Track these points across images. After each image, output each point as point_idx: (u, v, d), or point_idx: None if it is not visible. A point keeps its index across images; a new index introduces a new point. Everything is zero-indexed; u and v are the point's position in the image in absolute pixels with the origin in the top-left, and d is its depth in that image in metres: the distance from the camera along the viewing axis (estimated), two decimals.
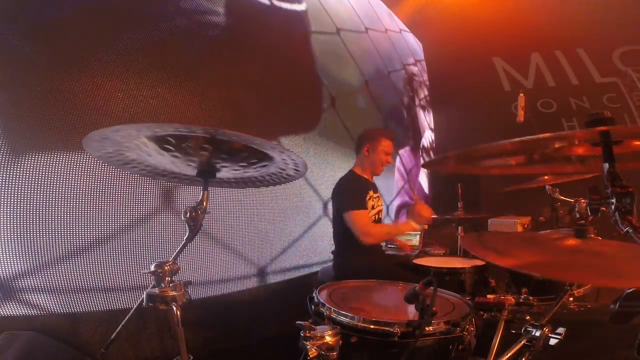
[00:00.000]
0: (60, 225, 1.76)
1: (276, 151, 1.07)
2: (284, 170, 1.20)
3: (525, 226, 2.88)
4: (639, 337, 0.88)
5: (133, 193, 2.00)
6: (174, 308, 1.00)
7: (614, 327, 1.16)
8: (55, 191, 1.76)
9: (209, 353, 2.19)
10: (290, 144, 2.98)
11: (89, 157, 1.83)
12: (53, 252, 1.74)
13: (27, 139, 1.70)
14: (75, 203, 1.81)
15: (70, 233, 1.79)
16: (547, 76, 4.82)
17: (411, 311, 1.14)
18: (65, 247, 1.77)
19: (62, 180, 1.78)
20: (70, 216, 1.79)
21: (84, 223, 1.83)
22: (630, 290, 1.02)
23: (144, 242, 2.02)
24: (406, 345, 1.09)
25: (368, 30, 4.55)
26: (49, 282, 1.73)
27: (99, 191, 1.89)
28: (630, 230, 0.78)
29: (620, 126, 0.87)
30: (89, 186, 1.85)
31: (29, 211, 1.68)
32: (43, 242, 1.72)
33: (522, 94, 2.89)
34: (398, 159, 4.65)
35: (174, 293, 1.01)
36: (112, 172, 1.93)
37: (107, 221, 1.91)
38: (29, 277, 1.68)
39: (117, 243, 1.94)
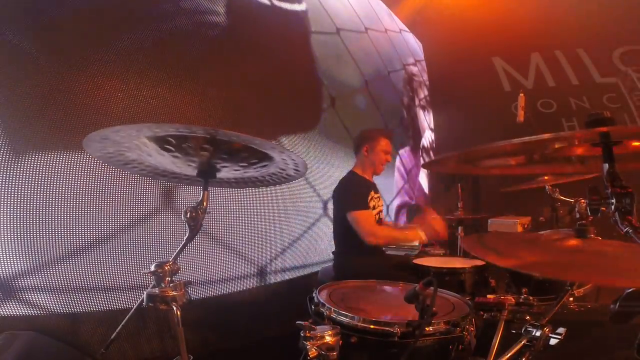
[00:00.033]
0: (60, 225, 1.76)
1: (276, 151, 1.07)
2: (284, 170, 1.20)
3: (525, 226, 2.88)
4: (639, 337, 0.88)
5: (133, 193, 2.00)
6: (174, 308, 1.01)
7: (614, 327, 1.16)
8: (55, 191, 1.76)
9: (209, 353, 2.19)
10: (290, 144, 2.98)
11: (89, 157, 1.83)
12: (53, 252, 1.74)
13: (27, 139, 1.70)
14: (75, 203, 1.81)
15: (70, 233, 1.79)
16: (547, 76, 4.82)
17: (411, 311, 1.13)
18: (65, 247, 1.77)
19: (62, 180, 1.78)
20: (70, 216, 1.79)
21: (84, 223, 1.83)
22: (630, 290, 1.02)
23: (144, 242, 2.02)
24: (406, 345, 1.09)
25: (368, 31, 4.55)
26: (49, 282, 1.73)
27: (99, 191, 1.89)
28: (630, 231, 0.78)
29: (620, 126, 0.87)
30: (89, 186, 1.85)
31: (29, 211, 1.68)
32: (43, 242, 1.72)
33: (522, 94, 2.89)
34: (398, 158, 4.66)
35: (174, 293, 1.02)
36: (112, 172, 1.93)
37: (107, 221, 1.91)
38: (29, 277, 1.68)
39: (117, 243, 1.94)
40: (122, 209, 1.97)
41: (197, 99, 2.36)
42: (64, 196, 1.78)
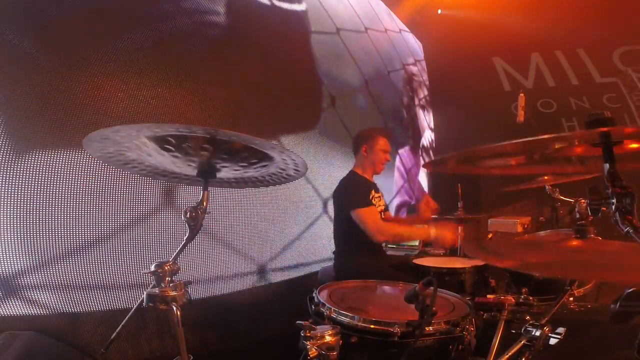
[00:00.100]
0: (60, 224, 1.76)
1: (276, 151, 1.07)
2: (284, 170, 1.20)
3: (525, 226, 2.87)
4: (639, 337, 0.88)
5: (133, 193, 2.00)
6: (174, 308, 1.00)
7: (614, 327, 1.16)
8: (55, 191, 1.76)
9: (209, 353, 2.19)
10: (291, 143, 2.98)
11: (89, 157, 1.83)
12: (53, 252, 1.74)
13: (28, 139, 1.70)
14: (75, 202, 1.81)
15: (70, 232, 1.79)
16: (547, 76, 4.82)
17: (411, 311, 1.13)
18: (65, 247, 1.77)
19: (62, 179, 1.78)
20: (70, 215, 1.79)
21: (84, 222, 1.83)
22: (630, 290, 1.02)
23: (145, 242, 2.02)
24: (406, 345, 1.09)
25: (368, 30, 4.55)
26: (49, 282, 1.73)
27: (99, 191, 1.89)
28: (631, 231, 0.78)
29: (620, 126, 0.87)
30: (89, 186, 1.85)
31: (29, 211, 1.68)
32: (43, 241, 1.72)
33: (522, 94, 2.88)
34: (398, 158, 4.66)
35: (174, 293, 1.01)
36: (112, 172, 1.93)
37: (107, 221, 1.91)
38: (29, 277, 1.68)
39: (117, 243, 1.94)
40: (122, 209, 1.97)
41: (197, 99, 2.36)
42: (64, 196, 1.78)
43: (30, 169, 1.69)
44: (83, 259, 1.82)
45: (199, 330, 2.19)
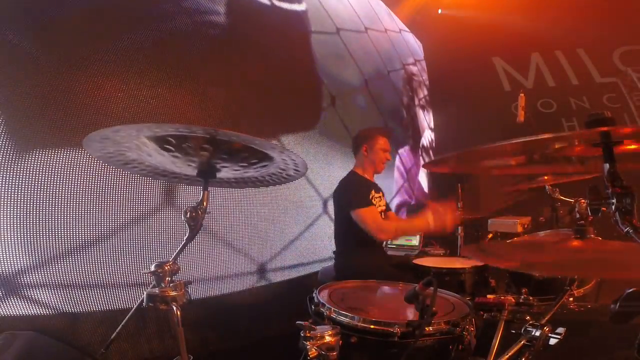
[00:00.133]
0: (61, 224, 1.76)
1: (276, 151, 1.07)
2: (284, 171, 1.20)
3: (525, 226, 2.87)
4: (639, 337, 0.88)
5: (134, 192, 2.00)
6: (174, 308, 1.00)
7: (614, 327, 1.16)
8: (55, 191, 1.76)
9: (209, 353, 2.19)
10: (291, 143, 2.98)
11: (90, 157, 1.83)
12: (53, 251, 1.74)
13: (28, 139, 1.70)
14: (75, 202, 1.81)
15: (70, 232, 1.79)
16: (547, 76, 4.82)
17: (411, 311, 1.14)
18: (65, 247, 1.77)
19: (62, 179, 1.78)
20: (70, 215, 1.79)
21: (84, 222, 1.83)
22: (630, 290, 1.02)
23: (145, 242, 2.03)
24: (406, 345, 1.09)
25: (368, 30, 4.55)
26: (50, 283, 1.73)
27: (99, 191, 1.89)
28: (631, 231, 0.78)
29: (620, 126, 0.87)
30: (89, 186, 1.86)
31: (29, 210, 1.68)
32: (43, 241, 1.72)
33: (522, 94, 2.88)
34: (397, 158, 4.66)
35: (174, 293, 1.01)
36: (113, 172, 1.93)
37: (107, 221, 1.92)
38: (30, 277, 1.68)
39: (117, 243, 1.94)
40: (122, 209, 1.97)
41: (197, 99, 2.36)
42: (64, 196, 1.78)
43: (30, 168, 1.69)
44: (83, 258, 1.82)
45: (199, 330, 2.19)
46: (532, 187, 2.55)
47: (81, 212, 1.82)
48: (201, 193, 1.14)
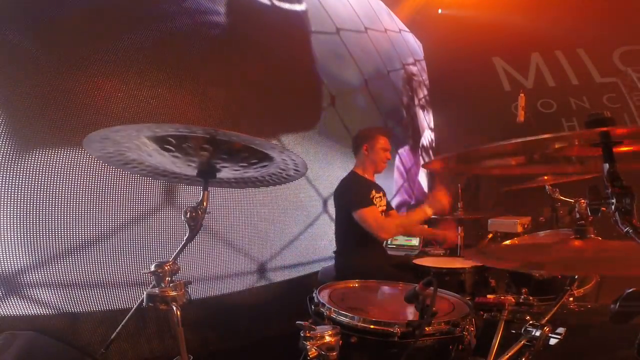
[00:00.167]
0: (61, 224, 1.76)
1: (276, 151, 1.07)
2: (284, 171, 1.20)
3: (525, 226, 2.87)
4: (639, 337, 0.88)
5: (134, 192, 2.00)
6: (174, 308, 1.00)
7: (614, 327, 1.16)
8: (55, 191, 1.76)
9: (209, 353, 2.19)
10: (291, 143, 2.98)
11: (90, 157, 1.83)
12: (53, 251, 1.74)
13: (28, 139, 1.70)
14: (75, 202, 1.81)
15: (70, 232, 1.79)
16: (547, 76, 4.82)
17: (411, 311, 1.14)
18: (65, 247, 1.77)
19: (62, 179, 1.78)
20: (70, 215, 1.79)
21: (85, 222, 1.83)
22: (630, 290, 1.02)
23: (145, 241, 2.02)
24: (406, 345, 1.09)
25: (368, 30, 4.55)
26: (50, 283, 1.73)
27: (99, 190, 1.89)
28: (631, 231, 0.78)
29: (620, 126, 0.87)
30: (89, 186, 1.86)
31: (29, 210, 1.68)
32: (43, 241, 1.72)
33: (522, 94, 2.89)
34: (397, 158, 4.66)
35: (174, 293, 1.01)
36: (113, 172, 1.93)
37: (108, 221, 1.92)
38: (29, 278, 1.68)
39: (118, 243, 1.94)
40: (122, 209, 1.97)
41: (197, 99, 2.36)
42: (64, 196, 1.78)
43: (30, 168, 1.69)
44: (83, 258, 1.82)
45: (199, 330, 2.19)
46: (532, 186, 2.56)
47: (81, 212, 1.82)
48: (201, 193, 1.14)
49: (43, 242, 1.71)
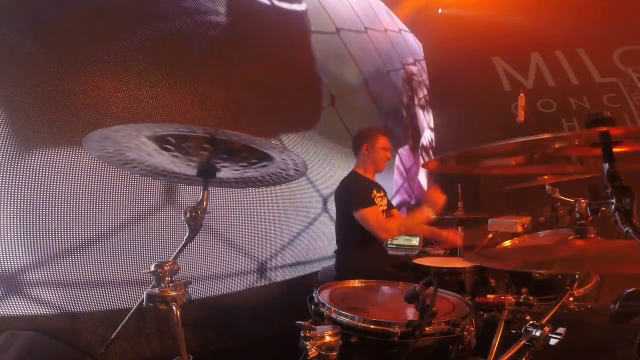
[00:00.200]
0: (61, 224, 1.76)
1: (276, 151, 1.07)
2: (284, 170, 1.20)
3: (525, 226, 2.87)
4: (639, 337, 0.88)
5: (134, 192, 2.00)
6: (174, 308, 1.00)
7: (614, 327, 1.16)
8: (55, 190, 1.76)
9: (209, 353, 2.19)
10: (291, 142, 2.98)
11: (90, 157, 1.83)
12: (53, 251, 1.74)
13: (28, 139, 1.70)
14: (75, 202, 1.81)
15: (70, 232, 1.79)
16: (547, 76, 4.82)
17: (411, 311, 1.13)
18: (65, 247, 1.77)
19: (62, 179, 1.78)
20: (70, 215, 1.79)
21: (85, 222, 1.83)
22: (630, 290, 1.02)
23: (145, 241, 2.02)
24: (406, 345, 1.09)
25: (367, 30, 4.55)
26: (50, 283, 1.73)
27: (99, 190, 1.89)
28: (631, 231, 0.78)
29: (620, 126, 0.87)
30: (89, 185, 1.86)
31: (29, 210, 1.69)
32: (43, 241, 1.72)
33: (522, 94, 2.88)
34: (397, 157, 4.66)
35: (174, 293, 1.01)
36: (113, 172, 1.93)
37: (107, 221, 1.92)
38: (29, 278, 1.68)
39: (118, 243, 1.94)
40: (123, 208, 1.97)
41: (197, 99, 2.36)
42: (64, 195, 1.78)
43: (30, 168, 1.69)
44: (83, 258, 1.82)
45: (199, 330, 2.19)
46: (532, 185, 2.56)
47: (81, 212, 1.82)
48: (201, 193, 1.14)
49: (43, 242, 1.71)
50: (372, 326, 1.15)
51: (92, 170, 1.86)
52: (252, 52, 2.78)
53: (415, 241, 3.15)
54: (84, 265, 1.83)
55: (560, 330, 1.11)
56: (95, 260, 1.86)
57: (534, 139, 0.82)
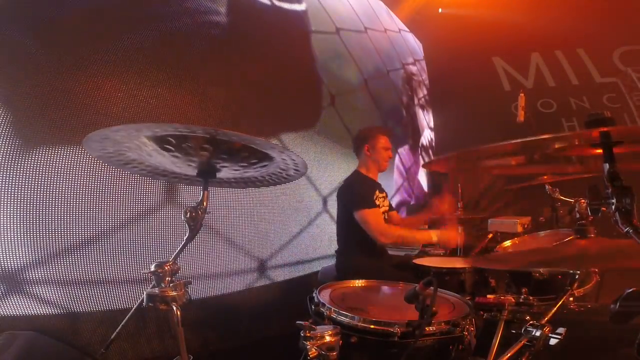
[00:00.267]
0: (61, 224, 1.76)
1: (276, 151, 1.07)
2: (284, 170, 1.20)
3: (525, 226, 2.87)
4: (639, 337, 0.88)
5: (134, 192, 2.00)
6: (174, 308, 1.00)
7: (614, 327, 1.16)
8: (56, 190, 1.76)
9: (209, 353, 2.19)
10: (291, 142, 2.98)
11: (90, 157, 1.83)
12: (53, 252, 1.74)
13: (28, 139, 1.70)
14: (75, 202, 1.81)
15: (70, 232, 1.79)
16: (547, 76, 4.82)
17: (411, 311, 1.13)
18: (65, 247, 1.77)
19: (62, 179, 1.78)
20: (70, 215, 1.79)
21: (85, 222, 1.83)
22: (630, 290, 1.02)
23: (145, 241, 2.02)
24: (406, 345, 1.09)
25: (367, 30, 4.55)
26: (50, 283, 1.73)
27: (100, 190, 1.89)
28: (631, 231, 0.78)
29: (620, 127, 0.87)
30: (89, 185, 1.86)
31: (29, 210, 1.68)
32: (43, 241, 1.72)
33: (522, 94, 2.89)
34: (397, 157, 4.66)
35: (174, 293, 1.01)
36: (113, 172, 1.93)
37: (108, 221, 1.91)
38: (29, 277, 1.68)
39: (118, 243, 1.94)
40: (123, 208, 1.97)
41: (197, 99, 2.36)
42: (64, 196, 1.78)
43: (30, 168, 1.69)
44: (83, 258, 1.82)
45: (199, 330, 2.19)
46: (532, 184, 2.56)
47: (81, 212, 1.82)
48: (201, 193, 1.14)
49: (43, 241, 1.71)
50: (372, 326, 1.15)
51: (92, 170, 1.86)
52: (252, 52, 2.78)
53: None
54: (84, 265, 1.82)
55: (560, 330, 1.11)
56: (95, 261, 1.86)
57: (534, 139, 0.82)
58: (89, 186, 1.85)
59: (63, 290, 1.77)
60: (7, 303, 1.61)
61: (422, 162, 5.25)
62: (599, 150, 0.88)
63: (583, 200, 1.58)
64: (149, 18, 2.20)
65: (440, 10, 5.38)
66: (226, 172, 1.18)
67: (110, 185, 1.93)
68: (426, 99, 5.84)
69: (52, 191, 1.75)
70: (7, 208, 1.63)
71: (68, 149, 1.79)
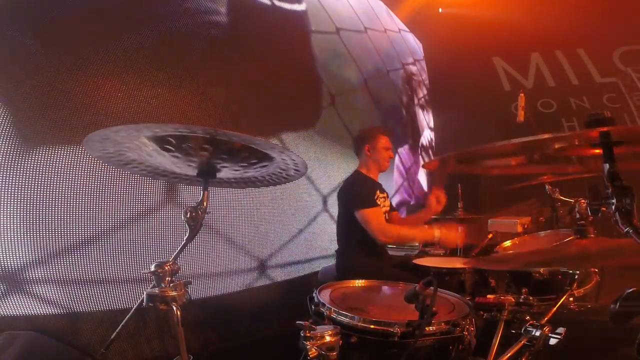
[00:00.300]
0: (61, 224, 1.76)
1: (276, 151, 1.07)
2: (284, 171, 1.20)
3: (526, 226, 2.87)
4: (639, 337, 0.88)
5: (135, 192, 2.00)
6: (174, 308, 1.00)
7: (614, 327, 1.16)
8: (56, 190, 1.76)
9: (209, 353, 2.19)
10: (291, 142, 2.98)
11: (90, 157, 1.83)
12: (53, 252, 1.74)
13: (28, 139, 1.70)
14: (76, 202, 1.81)
15: (70, 232, 1.79)
16: (547, 76, 4.83)
17: (411, 311, 1.13)
18: (65, 248, 1.77)
19: (62, 179, 1.78)
20: (70, 215, 1.79)
21: (85, 222, 1.83)
22: (630, 290, 1.02)
23: (146, 241, 2.02)
24: (406, 345, 1.09)
25: (367, 30, 4.56)
26: (50, 283, 1.73)
27: (100, 190, 1.89)
28: (631, 231, 0.78)
29: (620, 127, 0.87)
30: (89, 185, 1.86)
31: (29, 210, 1.68)
32: (43, 241, 1.72)
33: (522, 94, 2.89)
34: (397, 157, 4.66)
35: (174, 293, 1.01)
36: (113, 172, 1.93)
37: (108, 221, 1.91)
38: (29, 278, 1.68)
39: (118, 243, 1.94)
40: (123, 208, 1.97)
41: (197, 99, 2.36)
42: (64, 196, 1.78)
43: (30, 168, 1.69)
44: (83, 259, 1.82)
45: (199, 330, 2.19)
46: (532, 183, 2.56)
47: (81, 212, 1.82)
48: (201, 193, 1.14)
49: (43, 241, 1.71)
50: (372, 326, 1.15)
51: (92, 170, 1.86)
52: (252, 52, 2.78)
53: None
54: (84, 265, 1.82)
55: (560, 330, 1.11)
56: (95, 260, 1.86)
57: (534, 139, 0.82)
58: (89, 186, 1.85)
59: (63, 290, 1.77)
60: (7, 303, 1.61)
61: (422, 162, 5.25)
62: (599, 150, 0.88)
63: (583, 201, 1.57)
64: (149, 18, 2.20)
65: (440, 10, 5.38)
66: (226, 172, 1.18)
67: (110, 185, 1.93)
68: (426, 99, 5.84)
69: (52, 191, 1.75)
70: (7, 208, 1.63)
71: (68, 149, 1.79)
